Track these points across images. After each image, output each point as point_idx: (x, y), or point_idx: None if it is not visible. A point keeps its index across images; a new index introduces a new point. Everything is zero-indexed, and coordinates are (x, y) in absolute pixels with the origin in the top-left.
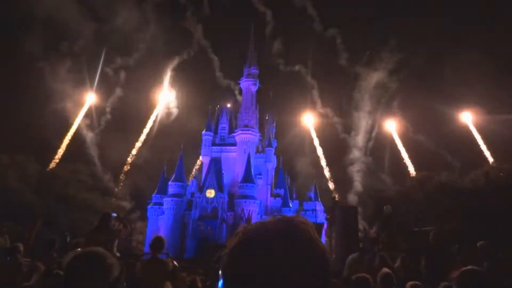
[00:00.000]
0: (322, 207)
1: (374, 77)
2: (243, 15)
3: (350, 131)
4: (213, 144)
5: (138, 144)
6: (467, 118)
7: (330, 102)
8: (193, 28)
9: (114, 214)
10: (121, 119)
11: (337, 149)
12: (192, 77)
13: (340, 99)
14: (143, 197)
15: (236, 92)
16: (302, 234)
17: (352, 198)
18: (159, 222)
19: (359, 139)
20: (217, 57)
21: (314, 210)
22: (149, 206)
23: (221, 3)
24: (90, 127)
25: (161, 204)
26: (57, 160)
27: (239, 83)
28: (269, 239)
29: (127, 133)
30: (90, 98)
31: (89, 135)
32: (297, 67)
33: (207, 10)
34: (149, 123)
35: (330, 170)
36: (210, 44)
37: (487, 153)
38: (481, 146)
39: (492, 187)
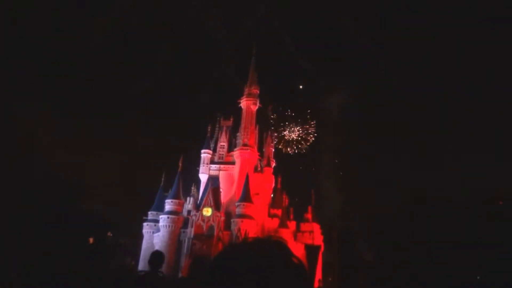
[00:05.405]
0: (320, 228)
1: None
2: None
3: None
4: (212, 162)
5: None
6: None
7: None
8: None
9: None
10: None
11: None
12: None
13: None
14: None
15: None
16: (277, 254)
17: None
18: (154, 240)
19: None
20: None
21: (311, 231)
22: (144, 223)
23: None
24: None
25: (157, 221)
26: None
27: (239, 102)
28: (243, 260)
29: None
30: None
31: None
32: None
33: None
34: None
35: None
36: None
37: None
38: None
39: None
